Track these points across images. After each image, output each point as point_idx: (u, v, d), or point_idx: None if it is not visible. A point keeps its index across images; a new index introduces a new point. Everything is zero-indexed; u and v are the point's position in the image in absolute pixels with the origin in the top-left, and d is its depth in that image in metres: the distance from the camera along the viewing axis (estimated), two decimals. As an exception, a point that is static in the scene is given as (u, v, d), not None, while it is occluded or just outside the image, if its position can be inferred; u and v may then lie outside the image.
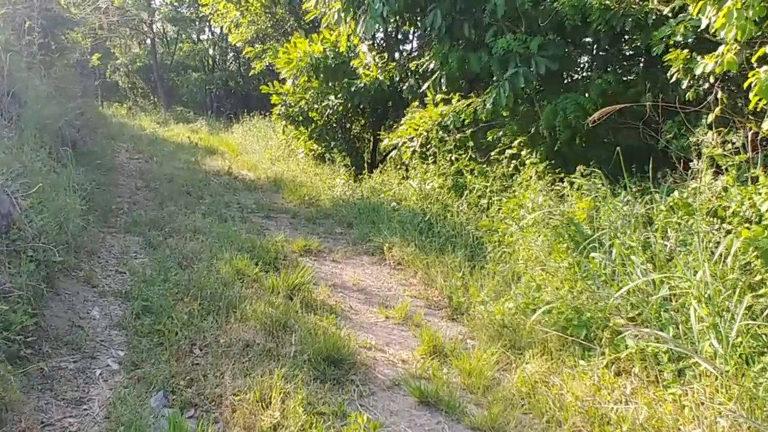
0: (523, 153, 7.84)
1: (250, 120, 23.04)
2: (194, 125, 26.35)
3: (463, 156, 8.52)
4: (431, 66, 8.68)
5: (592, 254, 5.19)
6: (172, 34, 37.27)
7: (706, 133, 5.84)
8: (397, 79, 10.83)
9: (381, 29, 8.04)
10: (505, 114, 8.13)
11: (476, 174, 8.26)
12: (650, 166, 6.14)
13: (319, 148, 13.93)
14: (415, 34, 12.37)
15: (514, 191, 7.64)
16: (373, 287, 7.04)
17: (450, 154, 8.68)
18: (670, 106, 6.05)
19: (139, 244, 7.80)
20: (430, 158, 9.06)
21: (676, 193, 5.58)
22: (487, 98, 7.83)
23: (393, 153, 10.14)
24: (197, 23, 33.02)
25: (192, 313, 5.56)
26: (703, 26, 5.20)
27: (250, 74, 21.66)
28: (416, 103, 9.40)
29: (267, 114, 21.59)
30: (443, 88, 8.89)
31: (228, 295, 5.91)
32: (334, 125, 13.75)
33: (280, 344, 5.12)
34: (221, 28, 23.28)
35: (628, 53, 8.31)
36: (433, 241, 7.81)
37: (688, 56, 5.88)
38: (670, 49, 6.13)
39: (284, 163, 15.11)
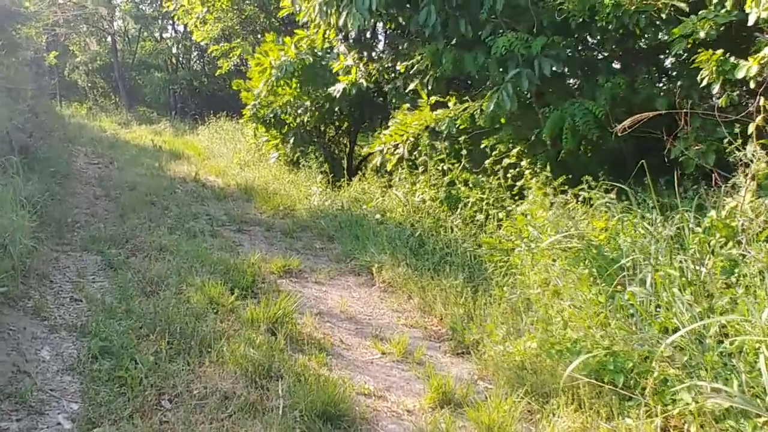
0: (524, 163, 7.13)
1: (216, 121, 22.11)
2: (158, 127, 25.30)
3: (456, 165, 7.79)
4: (421, 67, 7.88)
5: (630, 288, 4.47)
6: (133, 31, 36.05)
7: (740, 144, 5.18)
8: (381, 81, 10.05)
9: (367, 24, 7.25)
10: (503, 120, 7.41)
11: (471, 185, 7.54)
12: (675, 179, 5.48)
13: (293, 153, 13.10)
14: (388, 33, 11.62)
15: (517, 205, 6.94)
16: (364, 314, 6.29)
17: (442, 164, 7.93)
18: (708, 114, 5.37)
19: (97, 265, 6.97)
20: (419, 167, 8.29)
21: (713, 212, 4.91)
22: (486, 102, 7.10)
23: (377, 160, 9.35)
24: (160, 20, 31.87)
25: (159, 354, 4.76)
26: (751, 22, 4.53)
27: (216, 74, 20.69)
28: (407, 105, 8.62)
29: (234, 115, 20.70)
30: (430, 89, 8.15)
31: (201, 330, 5.11)
32: (309, 128, 12.94)
33: (265, 395, 4.34)
34: (185, 25, 22.28)
35: (640, 54, 7.65)
36: (427, 260, 7.08)
37: (723, 57, 5.21)
38: (699, 49, 5.46)
39: (255, 168, 14.26)
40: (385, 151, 8.89)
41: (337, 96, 10.03)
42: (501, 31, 7.02)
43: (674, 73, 7.67)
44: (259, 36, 18.79)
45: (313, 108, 11.53)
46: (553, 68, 6.67)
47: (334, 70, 10.27)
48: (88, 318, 5.44)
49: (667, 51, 6.92)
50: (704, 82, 5.41)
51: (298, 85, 11.04)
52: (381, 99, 11.02)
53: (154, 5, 32.02)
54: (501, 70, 7.03)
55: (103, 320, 5.26)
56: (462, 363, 5.32)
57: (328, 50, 10.89)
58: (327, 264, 7.71)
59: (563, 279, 5.30)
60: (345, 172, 11.31)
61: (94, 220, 8.81)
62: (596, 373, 4.26)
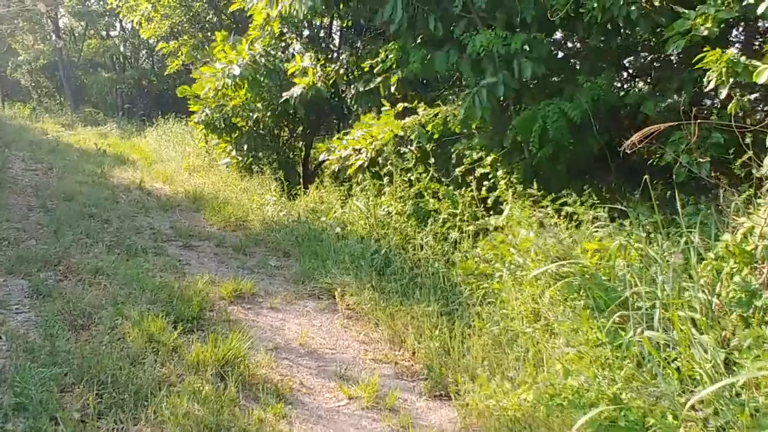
0: (499, 173, 6.50)
1: (165, 123, 21.15)
2: (103, 128, 24.22)
3: (424, 175, 7.11)
4: (386, 66, 7.14)
5: (647, 333, 3.83)
6: (80, 29, 34.70)
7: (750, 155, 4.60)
8: (339, 82, 9.32)
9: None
10: (474, 125, 6.76)
11: (441, 197, 6.87)
12: (675, 191, 4.88)
13: (246, 158, 12.29)
14: (344, 31, 10.90)
15: (494, 221, 6.30)
16: (326, 348, 5.57)
17: (408, 173, 7.24)
18: (723, 126, 4.76)
19: (23, 292, 6.13)
20: (384, 177, 7.59)
21: (727, 236, 4.31)
22: (457, 108, 6.44)
23: (335, 166, 8.64)
24: (106, 17, 30.59)
25: (86, 409, 4.00)
26: (761, 9, 3.94)
27: (165, 73, 19.73)
28: (370, 114, 7.90)
29: (183, 116, 19.79)
30: (391, 91, 7.46)
31: (137, 379, 4.34)
32: (262, 132, 12.16)
33: (212, 467, 3.61)
34: (132, 22, 21.26)
35: (626, 51, 7.05)
36: (395, 281, 6.40)
37: (734, 58, 4.61)
38: (705, 48, 4.86)
39: (205, 174, 13.41)
40: (344, 156, 8.17)
41: (294, 102, 9.27)
42: (475, 27, 6.36)
43: (660, 73, 7.09)
44: (209, 33, 17.90)
45: (267, 110, 10.74)
46: (534, 70, 6.03)
47: (289, 72, 9.51)
48: (4, 362, 4.64)
49: (655, 48, 6.36)
50: (711, 85, 4.80)
51: (250, 86, 10.24)
52: (338, 101, 10.27)
53: (100, 1, 30.77)
54: (475, 71, 6.36)
55: (23, 365, 4.47)
56: (441, 408, 4.65)
57: (283, 48, 10.13)
58: (283, 286, 6.98)
59: (555, 311, 4.66)
60: (301, 179, 10.53)
61: (24, 236, 7.93)
62: (605, 430, 3.62)
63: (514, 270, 5.19)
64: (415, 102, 7.28)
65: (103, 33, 33.50)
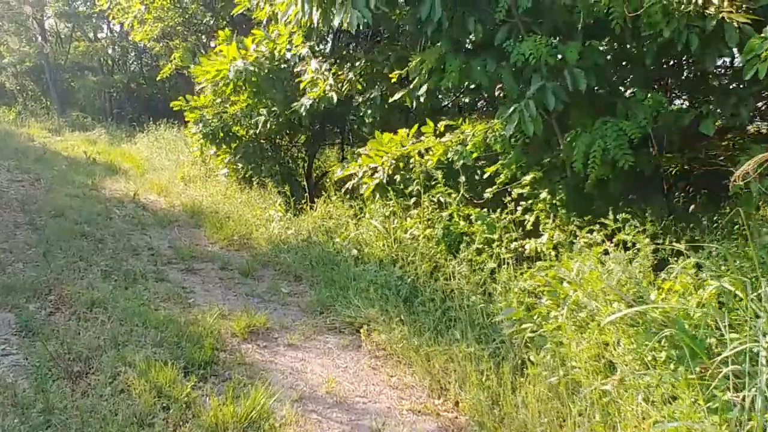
0: (543, 195, 5.89)
1: (156, 129, 20.41)
2: (92, 134, 23.45)
3: (454, 196, 6.47)
4: (421, 75, 6.42)
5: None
6: (67, 31, 33.85)
7: None
8: (353, 91, 8.64)
9: (366, 21, 5.84)
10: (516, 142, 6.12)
11: (476, 221, 6.24)
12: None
13: (246, 169, 11.60)
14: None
15: (537, 249, 5.69)
16: (356, 395, 4.91)
17: (438, 194, 6.57)
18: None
19: (11, 327, 5.49)
20: (411, 197, 6.92)
21: None
22: (502, 124, 5.80)
23: (349, 183, 7.99)
24: (94, 19, 29.74)
25: (87, 490, 3.35)
26: None
27: (157, 78, 19.00)
28: (388, 134, 7.20)
29: (176, 122, 19.10)
30: (422, 102, 6.80)
31: (147, 448, 3.70)
32: (263, 141, 11.49)
33: None
34: (122, 25, 20.50)
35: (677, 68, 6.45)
36: (426, 315, 5.76)
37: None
38: None
39: (202, 185, 12.73)
40: (360, 176, 7.53)
41: (304, 113, 8.60)
42: (518, 34, 5.72)
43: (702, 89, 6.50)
44: (203, 37, 17.21)
45: (270, 118, 10.06)
46: (588, 82, 5.39)
47: (302, 85, 8.82)
48: (-11, 421, 3.98)
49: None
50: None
51: (253, 92, 9.56)
52: (346, 109, 9.60)
53: (87, 2, 29.95)
54: (518, 83, 5.73)
55: (12, 427, 3.83)
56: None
57: (290, 52, 9.46)
58: (300, 318, 6.32)
59: (628, 360, 4.04)
60: (306, 192, 9.84)
61: (11, 258, 7.26)
62: None
63: (574, 308, 4.56)
64: (460, 119, 6.60)
65: (91, 35, 32.64)
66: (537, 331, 4.85)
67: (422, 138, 7.17)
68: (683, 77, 6.73)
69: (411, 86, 6.64)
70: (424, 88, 6.36)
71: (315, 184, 11.92)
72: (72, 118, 28.80)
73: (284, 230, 8.95)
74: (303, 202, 9.73)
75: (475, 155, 6.27)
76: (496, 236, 5.85)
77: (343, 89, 8.41)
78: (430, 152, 6.64)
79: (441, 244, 6.30)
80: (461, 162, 6.25)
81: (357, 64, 8.54)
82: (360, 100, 8.47)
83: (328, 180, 13.20)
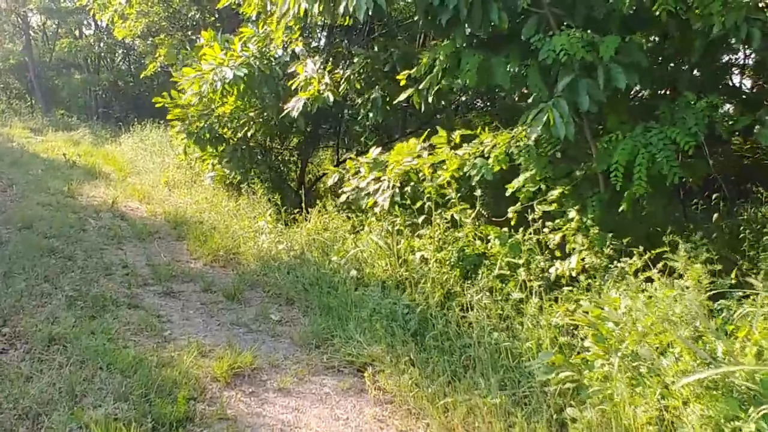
0: (572, 213, 5.07)
1: (141, 129, 19.50)
2: (76, 134, 22.50)
3: (470, 212, 5.64)
4: (433, 72, 5.56)
5: None
6: (53, 27, 32.85)
7: None
8: (350, 91, 7.78)
9: (369, 8, 5.00)
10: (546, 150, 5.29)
11: (496, 242, 5.41)
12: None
13: (234, 174, 10.74)
14: (357, 32, 9.39)
15: (565, 277, 4.89)
16: (361, 459, 4.10)
17: (451, 211, 5.72)
18: None
19: (-47, 370, 4.64)
20: (420, 215, 6.08)
21: None
22: (526, 127, 4.97)
23: (348, 195, 7.17)
24: (80, 15, 28.66)
25: None
26: None
27: (141, 75, 18.10)
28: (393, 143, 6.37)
29: (162, 121, 18.20)
30: (430, 102, 5.96)
31: None
32: (252, 145, 10.64)
33: None
34: (104, 21, 19.57)
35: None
36: (440, 355, 4.93)
37: None
38: None
39: (186, 190, 11.86)
40: (363, 188, 6.69)
41: (296, 115, 7.73)
42: (547, 26, 4.90)
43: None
44: (189, 33, 16.33)
45: (260, 120, 9.21)
46: (627, 82, 4.57)
47: (294, 85, 7.94)
48: None
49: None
50: None
51: (241, 94, 8.70)
52: (342, 110, 8.76)
53: (70, -2, 28.99)
54: (547, 81, 4.90)
55: None
56: None
57: (283, 48, 8.62)
58: (292, 352, 5.48)
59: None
60: (302, 201, 8.96)
61: (-33, 280, 6.42)
62: None
63: (628, 359, 3.74)
64: (479, 128, 5.72)
65: (76, 32, 31.61)
66: (578, 381, 4.04)
67: (427, 149, 6.33)
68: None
69: (421, 85, 5.77)
70: (436, 88, 5.52)
71: (308, 190, 11.10)
72: (56, 117, 27.86)
73: (275, 244, 8.10)
74: (296, 211, 8.87)
75: (497, 169, 5.42)
76: (521, 261, 5.02)
77: (339, 89, 7.56)
78: (443, 166, 5.77)
79: (456, 269, 5.46)
80: (479, 177, 5.40)
81: (355, 61, 7.68)
82: (359, 100, 7.61)
83: (322, 185, 12.39)
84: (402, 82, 6.14)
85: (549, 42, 4.67)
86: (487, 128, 5.72)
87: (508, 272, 5.06)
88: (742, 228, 5.33)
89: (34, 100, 31.66)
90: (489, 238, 5.51)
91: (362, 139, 12.01)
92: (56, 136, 22.00)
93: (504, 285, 5.05)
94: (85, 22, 29.97)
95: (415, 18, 6.46)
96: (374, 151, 7.14)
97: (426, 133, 6.32)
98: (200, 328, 5.86)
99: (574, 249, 5.25)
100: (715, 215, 5.99)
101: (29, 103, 32.15)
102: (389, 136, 10.92)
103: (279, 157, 11.15)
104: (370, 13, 5.28)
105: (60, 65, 32.36)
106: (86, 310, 5.85)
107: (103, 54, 29.48)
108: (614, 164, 4.71)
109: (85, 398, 4.25)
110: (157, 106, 11.09)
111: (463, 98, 11.12)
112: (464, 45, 5.26)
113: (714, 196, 6.33)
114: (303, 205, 8.72)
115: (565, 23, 4.89)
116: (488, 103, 11.57)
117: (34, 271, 6.70)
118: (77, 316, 5.63)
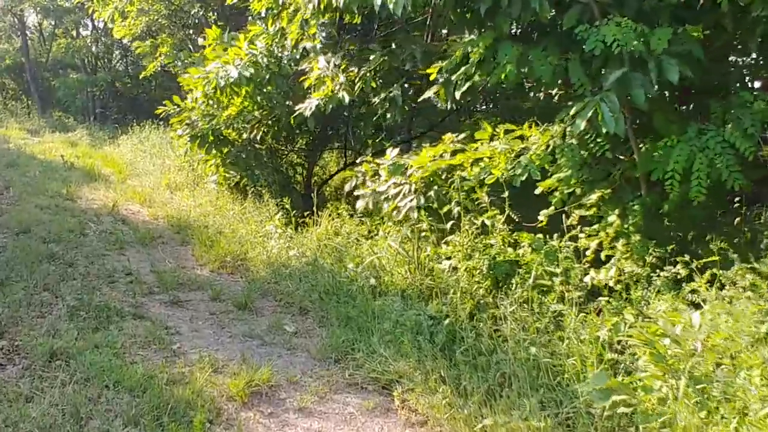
0: (612, 218, 4.73)
1: (140, 130, 19.12)
2: (73, 135, 22.10)
3: (500, 217, 5.28)
4: (468, 64, 5.16)
5: None
6: (49, 27, 32.44)
7: None
8: (367, 90, 7.37)
9: (407, 3, 4.64)
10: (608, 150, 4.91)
11: (527, 249, 5.06)
12: None
13: (239, 178, 10.36)
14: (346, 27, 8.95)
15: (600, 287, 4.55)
16: (393, 490, 3.74)
17: (483, 217, 5.34)
18: None
19: (-54, 390, 4.27)
20: (446, 218, 5.70)
21: None
22: (565, 125, 4.61)
23: (367, 201, 6.82)
24: (77, 13, 28.19)
25: None
26: None
27: (140, 76, 17.69)
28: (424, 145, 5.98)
29: (161, 123, 17.83)
30: (456, 98, 5.59)
31: None
32: (257, 146, 10.27)
33: None
34: (104, 20, 19.16)
35: None
36: (472, 372, 4.57)
37: None
38: None
39: (189, 193, 11.48)
40: (384, 192, 6.33)
41: (308, 115, 7.34)
42: (591, 17, 4.54)
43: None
44: (191, 32, 15.94)
45: (268, 121, 8.84)
46: (682, 75, 4.21)
47: (307, 84, 7.55)
48: None
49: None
50: None
51: (248, 93, 8.31)
52: (362, 113, 8.39)
53: (68, -4, 28.53)
54: (591, 76, 4.55)
55: None
56: None
57: (293, 47, 8.24)
58: (310, 367, 5.11)
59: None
60: (312, 203, 8.58)
61: (-38, 288, 6.05)
62: None
63: (693, 378, 3.39)
64: (526, 125, 5.30)
65: (73, 32, 31.18)
66: (633, 405, 3.68)
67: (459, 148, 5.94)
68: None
69: (453, 77, 5.35)
70: (467, 84, 5.15)
71: (315, 192, 10.76)
72: (53, 119, 27.48)
73: (285, 250, 7.74)
74: (306, 214, 8.50)
75: (538, 167, 5.03)
76: (558, 270, 4.67)
77: (355, 88, 7.18)
78: (479, 164, 5.36)
79: (488, 278, 5.09)
80: (524, 177, 5.02)
81: (371, 58, 7.29)
82: (375, 100, 7.22)
83: (328, 187, 12.03)
84: (432, 76, 5.71)
85: (596, 32, 4.31)
86: (532, 126, 5.31)
87: (548, 281, 4.69)
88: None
89: (31, 101, 31.26)
90: (521, 244, 5.14)
91: (368, 141, 11.70)
92: (53, 137, 21.62)
93: (542, 296, 4.69)
94: (82, 22, 29.54)
95: (446, 15, 6.03)
96: (392, 153, 6.77)
97: (466, 130, 5.89)
98: (211, 340, 5.50)
99: (611, 257, 4.92)
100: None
101: (26, 104, 31.74)
102: (393, 137, 10.61)
103: (286, 159, 10.77)
104: (408, 8, 4.92)
105: (57, 66, 32.00)
106: (89, 321, 5.48)
107: (100, 54, 29.04)
108: (670, 171, 4.35)
109: (91, 421, 3.89)
110: (160, 114, 10.73)
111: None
112: (501, 36, 4.89)
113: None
114: (314, 208, 8.33)
115: (609, 14, 4.52)
116: (491, 105, 11.19)
117: (33, 279, 6.33)
118: (80, 329, 5.26)
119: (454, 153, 5.54)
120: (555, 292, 4.62)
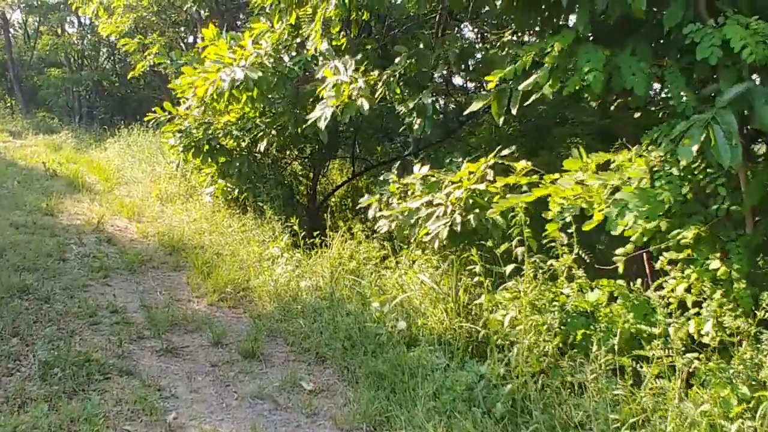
0: (714, 264, 3.79)
1: (128, 133, 18.07)
2: (58, 137, 20.98)
3: (566, 257, 4.31)
4: (540, 71, 4.18)
5: None
6: (34, 24, 31.26)
7: None
8: (390, 97, 6.37)
9: None
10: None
11: (602, 298, 4.10)
12: None
13: (239, 191, 9.36)
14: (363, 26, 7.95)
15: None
16: None
17: (560, 263, 4.34)
18: None
19: None
20: (503, 261, 4.72)
21: None
22: (663, 151, 3.67)
23: (390, 225, 5.86)
24: (62, 9, 27.00)
25: None
26: None
27: (128, 76, 16.63)
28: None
29: (151, 125, 16.79)
30: (513, 112, 4.63)
31: None
32: (258, 156, 9.28)
33: None
34: (89, 16, 18.08)
35: None
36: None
37: None
38: None
39: (182, 206, 10.48)
40: (415, 211, 5.37)
41: (323, 125, 6.34)
42: (695, 16, 3.59)
43: None
44: (182, 29, 14.92)
45: (272, 131, 7.85)
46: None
47: (319, 91, 6.53)
48: None
49: None
50: None
51: (252, 98, 7.31)
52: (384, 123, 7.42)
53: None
54: (693, 88, 3.61)
55: None
56: None
57: (299, 46, 7.27)
58: (338, 446, 4.15)
59: None
60: (322, 221, 7.57)
61: None
62: None
63: None
64: (624, 151, 4.28)
65: (58, 29, 29.98)
66: None
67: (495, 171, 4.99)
68: None
69: (521, 86, 4.35)
70: (533, 96, 4.18)
71: (320, 206, 9.81)
72: (38, 119, 26.34)
73: (294, 279, 6.76)
74: (316, 234, 7.51)
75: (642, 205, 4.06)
76: (657, 330, 3.72)
77: (376, 94, 6.19)
78: (558, 201, 4.35)
79: (558, 335, 4.13)
80: (623, 219, 4.02)
81: (397, 61, 6.29)
82: (402, 109, 6.22)
83: (333, 198, 11.07)
84: (491, 84, 4.66)
85: (711, 35, 3.36)
86: (618, 149, 4.30)
87: (646, 346, 3.72)
88: None
89: (14, 101, 30.11)
90: (595, 292, 4.18)
91: (377, 148, 10.76)
92: (37, 139, 20.56)
93: (634, 362, 3.73)
94: (68, 19, 28.38)
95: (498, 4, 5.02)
96: (422, 170, 5.81)
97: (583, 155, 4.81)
98: (214, 405, 4.52)
99: (705, 307, 3.99)
100: None
101: (9, 104, 30.58)
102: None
103: (289, 170, 9.79)
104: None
105: (41, 64, 30.82)
106: (65, 382, 4.49)
107: (86, 52, 27.87)
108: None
109: None
110: (147, 119, 9.74)
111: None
112: (582, 36, 3.93)
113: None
114: (327, 225, 7.35)
115: (720, 13, 3.57)
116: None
117: (1, 321, 5.35)
118: (52, 395, 4.29)
119: (530, 186, 4.54)
120: (656, 362, 3.65)
